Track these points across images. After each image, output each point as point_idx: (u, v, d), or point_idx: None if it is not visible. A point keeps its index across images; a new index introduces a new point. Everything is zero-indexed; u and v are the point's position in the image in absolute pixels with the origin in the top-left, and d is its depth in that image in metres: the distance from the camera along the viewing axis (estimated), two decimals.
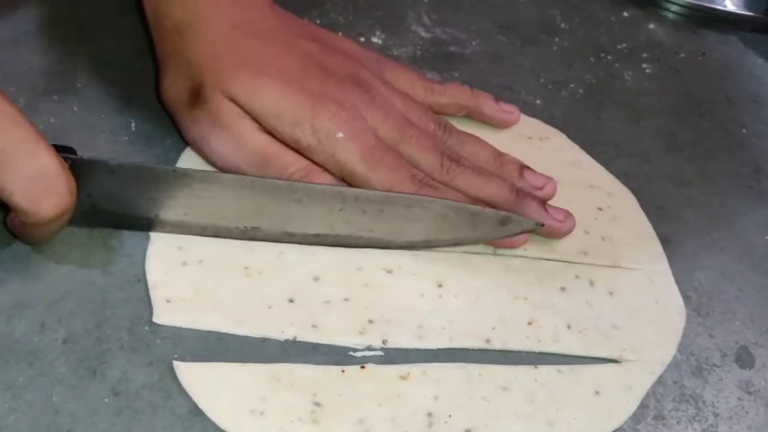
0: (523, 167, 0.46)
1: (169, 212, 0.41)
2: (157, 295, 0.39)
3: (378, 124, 0.44)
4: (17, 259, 0.40)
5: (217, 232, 0.42)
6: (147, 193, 0.40)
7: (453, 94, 0.49)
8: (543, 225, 0.43)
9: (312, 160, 0.43)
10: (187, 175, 0.40)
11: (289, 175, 0.42)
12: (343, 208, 0.41)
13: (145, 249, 0.41)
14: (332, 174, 0.43)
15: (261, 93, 0.42)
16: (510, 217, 0.42)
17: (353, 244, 0.42)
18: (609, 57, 0.58)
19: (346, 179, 0.43)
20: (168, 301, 0.39)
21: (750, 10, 0.63)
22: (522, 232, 0.43)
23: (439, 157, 0.44)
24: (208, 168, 0.44)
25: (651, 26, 0.62)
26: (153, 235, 0.41)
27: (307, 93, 0.43)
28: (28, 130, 0.35)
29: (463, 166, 0.44)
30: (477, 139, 0.47)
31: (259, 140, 0.43)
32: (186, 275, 0.40)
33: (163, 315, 0.38)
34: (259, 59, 0.44)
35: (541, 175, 0.46)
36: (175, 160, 0.45)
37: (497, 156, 0.46)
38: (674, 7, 0.63)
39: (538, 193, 0.45)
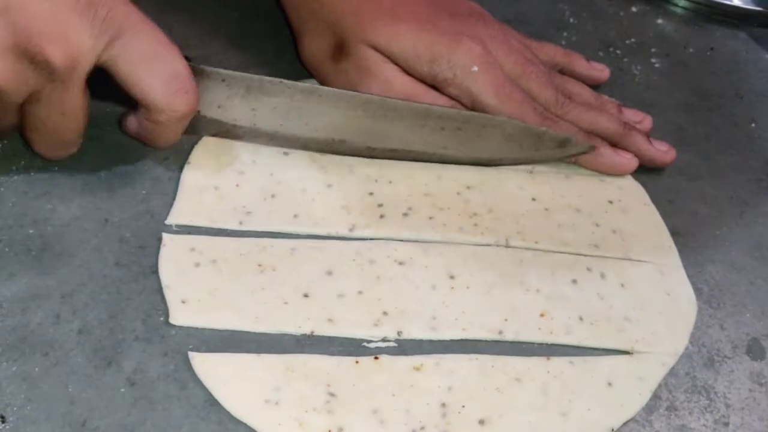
0: (620, 105, 0.51)
1: (267, 122, 0.44)
2: (171, 296, 0.39)
3: (502, 59, 0.48)
4: (31, 250, 0.40)
5: (305, 145, 0.46)
6: (251, 102, 0.43)
7: (548, 52, 0.53)
8: (594, 148, 0.47)
9: (447, 94, 0.47)
10: (290, 87, 0.43)
11: None
12: (424, 125, 0.45)
13: (158, 239, 0.41)
14: (466, 107, 0.47)
15: (399, 37, 0.46)
16: (569, 140, 0.47)
17: (425, 159, 0.47)
18: (618, 52, 0.58)
19: (477, 110, 0.47)
20: (183, 302, 0.39)
21: (757, 5, 0.63)
22: (577, 154, 0.47)
23: (554, 92, 0.48)
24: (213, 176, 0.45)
25: (659, 21, 0.62)
26: (165, 236, 0.41)
27: (442, 31, 0.47)
28: (163, 35, 0.39)
29: (574, 102, 0.49)
30: (576, 81, 0.52)
31: (404, 82, 0.46)
32: (200, 276, 0.40)
33: (179, 316, 0.38)
34: (393, 8, 0.47)
35: (638, 111, 0.51)
36: (188, 152, 0.45)
37: (597, 96, 0.51)
38: (682, 2, 0.63)
39: (638, 127, 0.50)
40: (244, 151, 0.46)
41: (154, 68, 0.38)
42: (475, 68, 0.46)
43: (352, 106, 0.44)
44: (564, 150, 0.47)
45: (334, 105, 0.44)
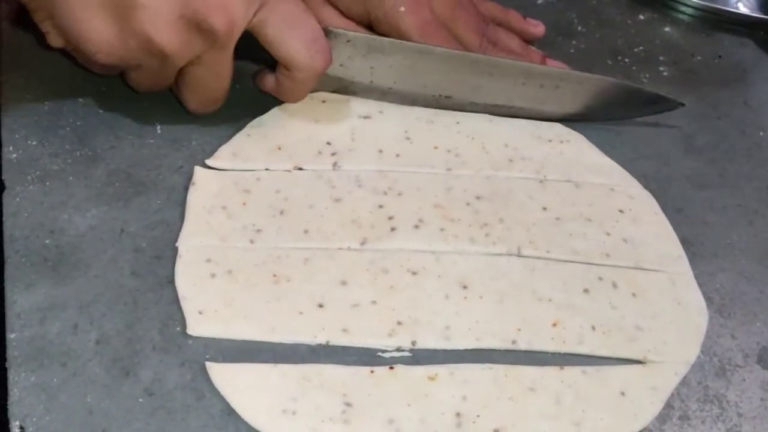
0: (544, 56, 0.54)
1: (383, 80, 0.49)
2: (188, 307, 0.39)
3: (435, 1, 0.51)
4: (48, 261, 0.40)
5: (414, 101, 0.50)
6: (370, 61, 0.48)
7: (488, 7, 0.56)
8: (683, 104, 0.52)
9: (379, 32, 0.50)
10: (407, 47, 0.48)
11: None
12: (525, 83, 0.49)
13: (174, 251, 0.41)
14: None
15: None
16: (660, 97, 0.52)
17: (523, 115, 0.51)
18: (626, 60, 0.59)
19: None
20: (200, 313, 0.39)
21: (764, 13, 0.64)
22: (668, 110, 0.52)
23: (479, 38, 0.52)
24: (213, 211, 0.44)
25: (666, 29, 0.62)
26: (181, 248, 0.42)
27: None
28: (301, 2, 0.44)
29: (498, 49, 0.53)
30: (508, 31, 0.55)
31: (340, 24, 0.50)
32: (216, 286, 0.40)
33: (197, 327, 0.39)
34: None
35: (564, 64, 0.54)
36: (201, 161, 0.46)
37: (524, 46, 0.55)
38: (689, 10, 0.64)
39: None
40: (246, 169, 0.46)
41: (297, 32, 0.43)
42: (402, 8, 0.49)
43: (461, 64, 0.48)
44: (655, 107, 0.52)
45: (444, 63, 0.48)
